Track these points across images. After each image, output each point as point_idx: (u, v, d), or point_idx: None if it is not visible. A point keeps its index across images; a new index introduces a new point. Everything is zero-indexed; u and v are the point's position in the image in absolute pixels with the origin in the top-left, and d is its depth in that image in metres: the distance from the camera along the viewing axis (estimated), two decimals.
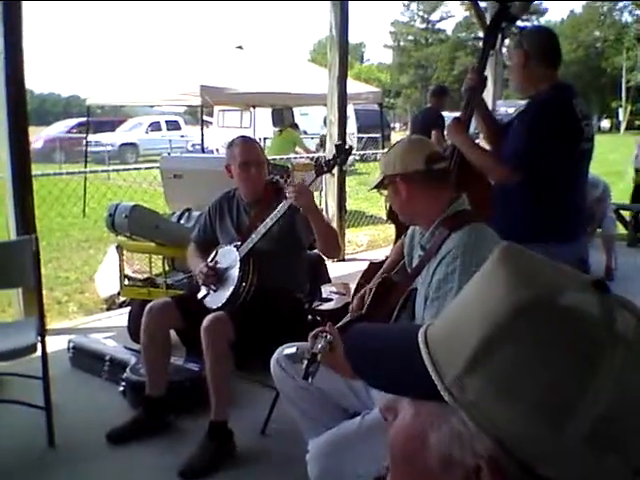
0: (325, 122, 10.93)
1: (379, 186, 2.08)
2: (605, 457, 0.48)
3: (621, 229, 7.24)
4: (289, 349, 2.21)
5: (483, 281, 0.56)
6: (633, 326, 0.51)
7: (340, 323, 2.14)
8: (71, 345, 3.83)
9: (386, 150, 2.21)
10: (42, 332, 2.93)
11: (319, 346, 1.85)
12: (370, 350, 0.61)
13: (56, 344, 3.82)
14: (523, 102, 2.84)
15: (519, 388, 0.49)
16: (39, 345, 2.87)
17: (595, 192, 5.62)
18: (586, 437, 0.47)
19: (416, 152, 1.97)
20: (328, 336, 1.87)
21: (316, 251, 3.16)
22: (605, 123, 49.22)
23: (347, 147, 2.90)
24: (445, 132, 2.77)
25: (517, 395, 0.49)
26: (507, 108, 14.20)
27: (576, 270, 0.57)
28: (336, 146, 2.91)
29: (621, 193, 8.41)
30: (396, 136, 19.30)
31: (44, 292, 4.88)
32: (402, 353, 0.58)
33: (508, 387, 0.49)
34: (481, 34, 2.88)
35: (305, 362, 1.85)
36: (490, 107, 7.02)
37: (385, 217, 8.43)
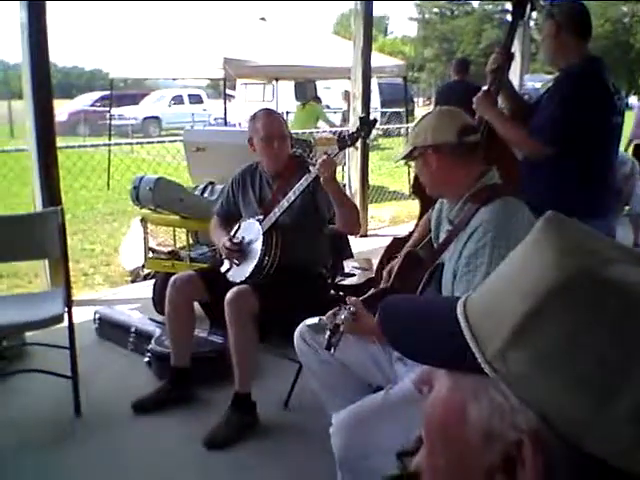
0: (344, 96, 10.80)
1: (407, 157, 2.05)
2: None
3: None
4: (312, 320, 2.23)
5: (527, 251, 0.54)
6: None
7: (364, 296, 2.14)
8: (97, 316, 3.89)
9: (414, 123, 2.18)
10: (69, 303, 2.97)
11: (342, 317, 1.85)
12: (406, 322, 0.60)
13: (82, 315, 3.88)
14: (550, 76, 2.79)
15: (564, 362, 0.47)
16: (66, 315, 2.91)
17: (623, 169, 5.52)
18: (635, 414, 0.46)
19: (448, 124, 1.94)
20: (351, 307, 1.87)
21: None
22: (633, 100, 48.09)
23: (371, 120, 2.86)
24: (474, 105, 2.71)
25: (562, 369, 0.47)
26: (534, 82, 13.97)
27: (623, 244, 0.55)
28: (360, 118, 2.87)
29: None
30: (419, 111, 19.09)
31: (70, 264, 4.94)
32: (439, 325, 0.57)
33: (553, 360, 0.48)
34: (508, 6, 2.83)
35: (328, 332, 1.86)
36: (518, 82, 6.85)
37: (408, 193, 8.39)
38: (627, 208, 5.95)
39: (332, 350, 1.86)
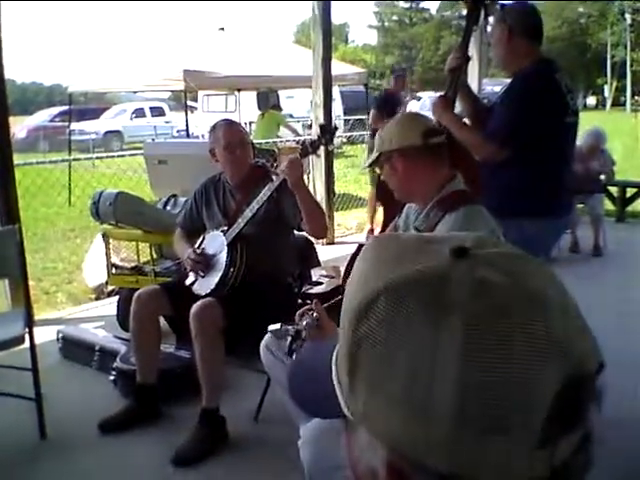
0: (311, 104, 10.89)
1: (374, 164, 2.07)
2: (486, 437, 0.44)
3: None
4: (274, 325, 2.21)
5: (352, 279, 0.55)
6: (506, 286, 0.46)
7: (328, 303, 2.13)
8: (60, 335, 3.80)
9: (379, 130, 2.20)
10: (29, 323, 2.90)
11: (304, 323, 1.84)
12: (305, 382, 0.62)
13: (45, 335, 3.79)
14: (509, 80, 2.82)
15: (383, 385, 0.46)
16: (27, 336, 2.84)
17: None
18: (456, 421, 0.44)
19: (412, 127, 1.97)
20: (314, 314, 1.86)
21: (304, 234, 3.14)
22: (591, 100, 49.18)
23: (331, 127, 2.88)
24: (431, 110, 2.74)
25: (384, 393, 0.46)
26: (493, 87, 14.15)
27: (447, 240, 0.52)
28: (320, 126, 2.89)
29: None
30: None
31: (32, 283, 4.84)
32: (326, 376, 0.56)
33: (377, 385, 0.47)
34: (465, 12, 2.87)
35: (289, 339, 1.85)
36: (476, 86, 6.95)
37: None
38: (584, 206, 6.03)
39: (294, 357, 1.85)
